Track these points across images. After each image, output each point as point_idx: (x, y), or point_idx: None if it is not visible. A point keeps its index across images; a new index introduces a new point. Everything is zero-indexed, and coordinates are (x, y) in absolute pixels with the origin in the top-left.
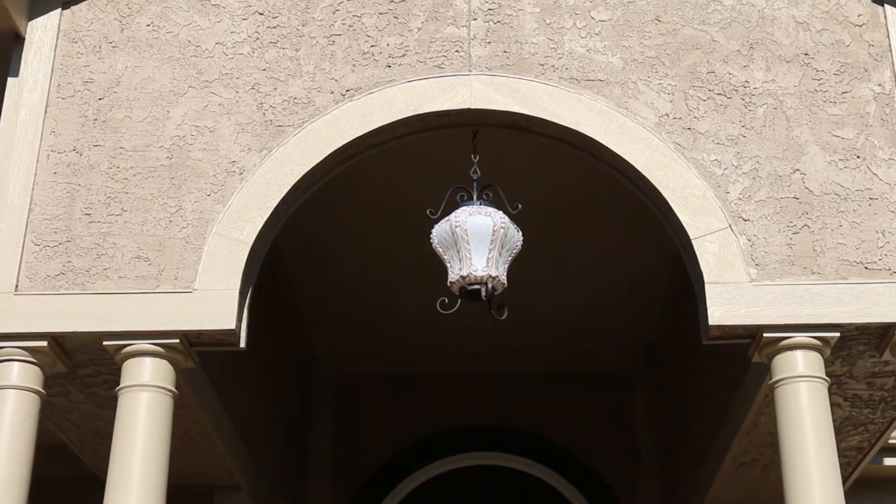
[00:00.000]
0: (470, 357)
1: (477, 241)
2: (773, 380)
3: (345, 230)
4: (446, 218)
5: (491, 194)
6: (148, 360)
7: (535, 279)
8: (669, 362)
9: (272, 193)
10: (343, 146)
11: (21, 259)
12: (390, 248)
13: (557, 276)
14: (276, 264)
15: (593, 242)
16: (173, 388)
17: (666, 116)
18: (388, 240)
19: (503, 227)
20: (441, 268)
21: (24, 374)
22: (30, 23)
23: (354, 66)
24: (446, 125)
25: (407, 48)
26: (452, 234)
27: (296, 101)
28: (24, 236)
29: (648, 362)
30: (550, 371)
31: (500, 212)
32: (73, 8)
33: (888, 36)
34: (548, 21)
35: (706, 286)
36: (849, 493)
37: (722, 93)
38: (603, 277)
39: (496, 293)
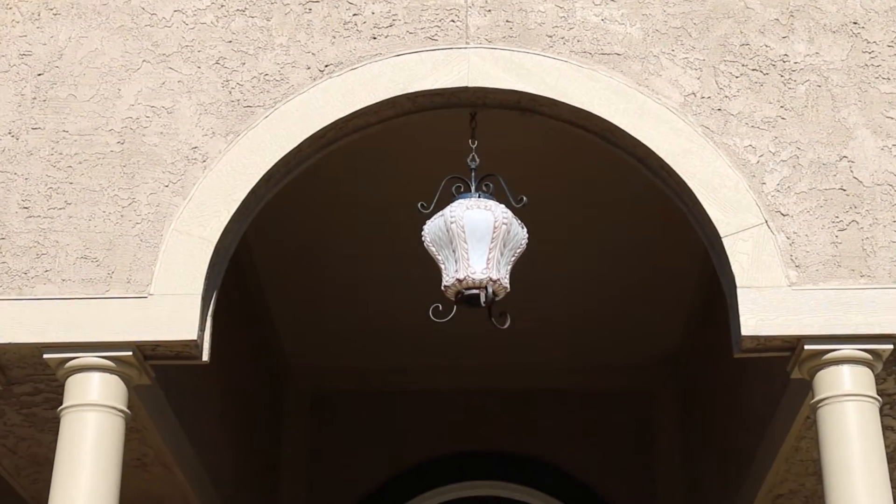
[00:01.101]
0: (467, 373)
1: (475, 239)
2: (816, 399)
3: (324, 227)
4: (440, 212)
5: (491, 185)
6: (96, 376)
7: (541, 283)
8: (695, 379)
9: (240, 184)
10: (321, 130)
11: None
12: (376, 247)
13: (567, 280)
14: (244, 266)
15: (608, 241)
16: (125, 408)
17: (692, 95)
18: (374, 238)
19: (505, 223)
20: (434, 270)
21: None
22: None
23: (334, 37)
24: (440, 106)
25: (395, 17)
26: (447, 230)
27: (267, 77)
28: None
29: (671, 379)
30: (559, 389)
31: (502, 205)
32: None
33: None
34: None
35: (738, 291)
36: None
37: (757, 68)
38: (619, 281)
39: (497, 299)
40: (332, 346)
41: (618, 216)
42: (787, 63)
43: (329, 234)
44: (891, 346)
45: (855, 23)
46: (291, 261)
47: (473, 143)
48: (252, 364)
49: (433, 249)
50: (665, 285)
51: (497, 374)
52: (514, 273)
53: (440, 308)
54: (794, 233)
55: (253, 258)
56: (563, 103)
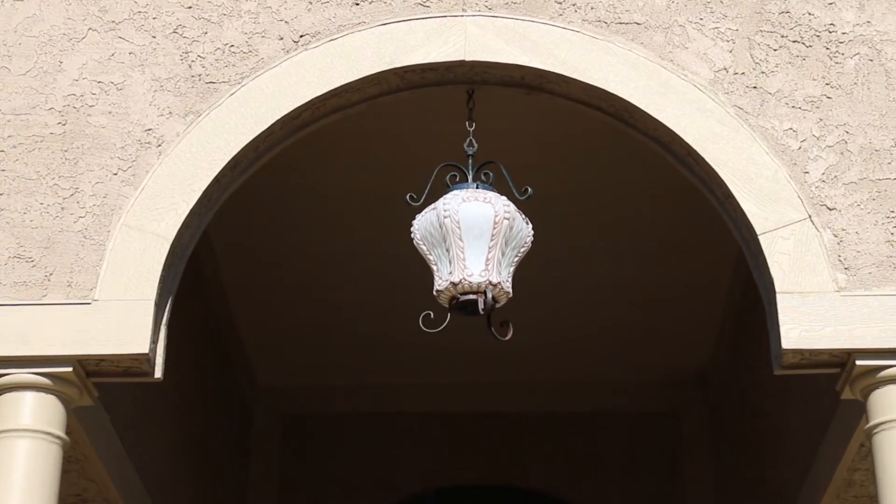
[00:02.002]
0: (463, 392)
1: (473, 237)
2: (871, 424)
3: (298, 224)
4: (432, 206)
5: (491, 174)
6: (28, 396)
7: (548, 289)
8: (728, 400)
9: (200, 172)
10: (295, 110)
11: None
12: (358, 247)
13: (579, 287)
14: (205, 268)
15: (626, 241)
16: (63, 434)
17: (724, 71)
18: (356, 237)
19: (507, 218)
20: (426, 272)
21: None
22: None
23: (311, 3)
24: (433, 83)
25: None
26: (440, 226)
27: (233, 49)
28: None
29: (700, 399)
30: (571, 412)
31: (504, 197)
32: None
33: None
34: None
35: (778, 298)
36: None
37: (799, 39)
38: (641, 288)
39: (498, 305)
40: (307, 363)
41: (637, 212)
42: (833, 34)
43: (304, 233)
44: None
45: None
46: (260, 263)
47: (471, 126)
48: (214, 383)
49: (424, 248)
50: (693, 292)
51: (498, 394)
52: (518, 276)
53: (432, 316)
54: (843, 230)
55: (215, 259)
56: (575, 80)
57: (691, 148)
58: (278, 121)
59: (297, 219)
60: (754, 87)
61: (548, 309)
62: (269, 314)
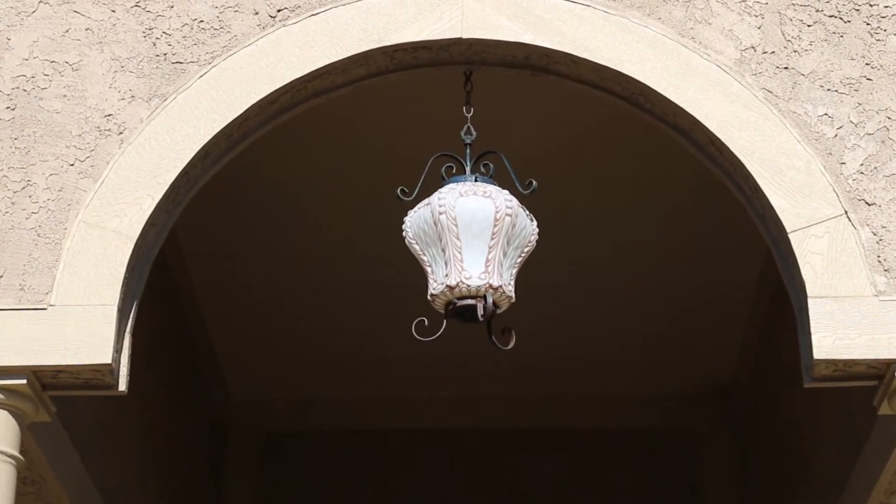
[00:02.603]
0: (459, 407)
1: (471, 235)
2: None
3: (276, 221)
4: (426, 201)
5: (492, 166)
6: None
7: (556, 293)
8: (753, 416)
9: (167, 163)
10: (273, 94)
11: None
12: (344, 247)
13: (589, 291)
14: (173, 270)
15: (643, 241)
16: (16, 453)
17: (752, 50)
18: (341, 235)
19: (509, 214)
20: (419, 275)
21: None
22: None
23: None
24: (426, 63)
25: None
26: (435, 224)
27: (202, 25)
28: None
29: (722, 416)
30: (582, 428)
31: (506, 191)
32: None
33: None
34: None
35: (810, 302)
36: None
37: (836, 14)
38: (657, 292)
39: (499, 311)
40: (287, 376)
41: (653, 209)
42: (874, 7)
43: (283, 231)
44: None
45: None
46: (233, 265)
47: (469, 112)
48: (184, 397)
49: (417, 248)
50: (716, 298)
51: (499, 408)
52: (521, 279)
53: (426, 324)
54: (883, 227)
55: (184, 261)
56: (585, 60)
57: (714, 136)
58: (254, 106)
59: (274, 216)
60: (785, 68)
61: (554, 316)
62: (244, 321)
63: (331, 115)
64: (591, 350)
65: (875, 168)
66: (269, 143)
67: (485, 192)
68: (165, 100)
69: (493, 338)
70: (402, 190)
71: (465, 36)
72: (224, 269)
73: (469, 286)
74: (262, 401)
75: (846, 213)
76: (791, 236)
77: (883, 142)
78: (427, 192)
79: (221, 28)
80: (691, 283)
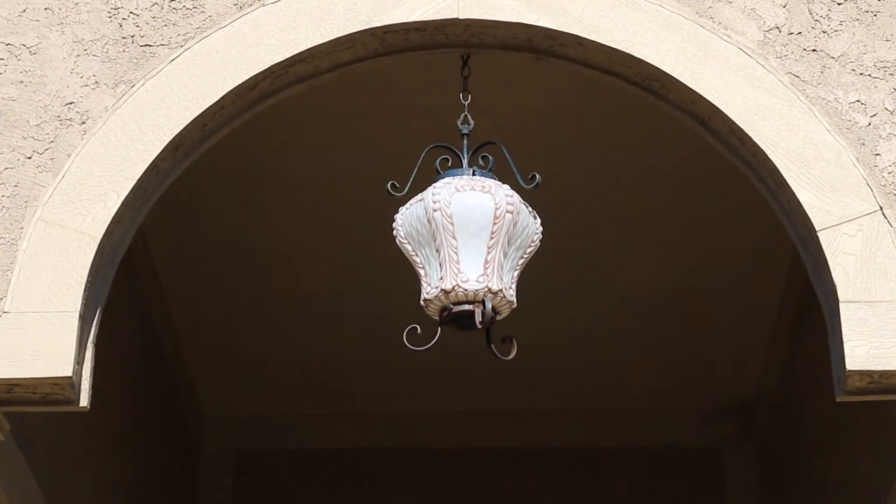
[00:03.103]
0: (454, 424)
1: (468, 234)
2: None
3: (255, 217)
4: (419, 196)
5: (491, 158)
6: None
7: (563, 298)
8: (779, 434)
9: (135, 156)
10: (251, 80)
11: None
12: (325, 247)
13: (600, 296)
14: (141, 274)
15: (657, 241)
16: None
17: (776, 31)
18: (325, 235)
19: (511, 212)
20: (411, 278)
21: None
22: None
23: None
24: (419, 46)
25: None
26: (429, 221)
27: (173, 5)
28: None
29: (747, 433)
30: (592, 446)
31: (507, 186)
32: None
33: None
34: None
35: (841, 308)
36: None
37: None
38: (674, 298)
39: (500, 318)
40: (265, 389)
41: (668, 205)
42: None
43: (261, 230)
44: None
45: None
46: (207, 267)
47: (466, 99)
48: (153, 413)
49: (409, 248)
50: (738, 303)
51: (499, 425)
52: (523, 283)
53: (419, 331)
54: None
55: (153, 263)
56: (593, 42)
57: (736, 125)
58: (230, 92)
59: (252, 213)
60: (813, 51)
61: (559, 323)
62: (217, 330)
63: (315, 104)
64: (600, 361)
65: None
66: (247, 133)
67: (483, 187)
68: (133, 86)
69: (493, 347)
70: (392, 184)
71: (461, 16)
72: (196, 273)
73: (466, 290)
74: (237, 416)
75: (881, 209)
76: (820, 235)
77: None
78: (420, 186)
79: (194, 8)
80: (711, 288)
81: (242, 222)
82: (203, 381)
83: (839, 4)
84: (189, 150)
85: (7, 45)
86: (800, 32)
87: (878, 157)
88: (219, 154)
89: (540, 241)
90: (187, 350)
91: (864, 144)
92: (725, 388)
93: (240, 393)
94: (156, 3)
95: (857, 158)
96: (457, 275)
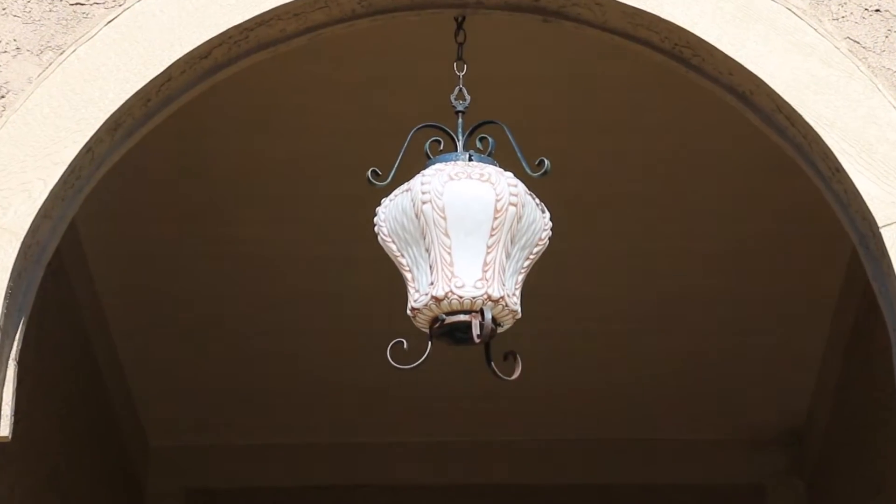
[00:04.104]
0: (445, 456)
1: (464, 231)
2: None
3: (208, 211)
4: (405, 186)
5: (492, 140)
6: None
7: (577, 306)
8: (833, 466)
9: (65, 137)
10: (204, 46)
11: None
12: (292, 249)
13: (621, 302)
14: (73, 277)
15: (687, 240)
16: None
17: None
18: (290, 233)
19: (514, 204)
20: (397, 282)
21: None
22: None
23: None
24: (405, 7)
25: None
26: (417, 216)
27: None
28: None
29: (795, 466)
30: (615, 483)
31: (509, 174)
32: None
33: None
34: None
35: None
36: None
37: None
38: (709, 307)
39: (501, 330)
40: (219, 418)
41: (700, 196)
42: None
43: (216, 227)
44: None
45: None
46: (152, 271)
47: (461, 70)
48: (89, 444)
49: (393, 248)
50: (784, 315)
51: (499, 458)
52: (529, 288)
53: (405, 346)
54: None
55: (87, 265)
56: (613, 1)
57: (783, 100)
58: (179, 61)
59: (206, 206)
60: (877, 10)
61: (573, 337)
62: (164, 346)
63: (280, 75)
64: (621, 382)
65: None
66: (200, 110)
67: (482, 175)
68: (62, 53)
69: (493, 365)
70: (373, 171)
71: None
72: (139, 277)
73: (461, 297)
74: (187, 448)
75: None
76: (883, 232)
77: None
78: (407, 174)
79: None
80: (752, 297)
81: (195, 217)
82: (148, 407)
83: None
84: (130, 130)
85: None
86: None
87: None
88: (165, 135)
89: (549, 238)
90: (129, 370)
91: None
92: (769, 415)
93: (190, 421)
94: None
95: None
96: (450, 279)
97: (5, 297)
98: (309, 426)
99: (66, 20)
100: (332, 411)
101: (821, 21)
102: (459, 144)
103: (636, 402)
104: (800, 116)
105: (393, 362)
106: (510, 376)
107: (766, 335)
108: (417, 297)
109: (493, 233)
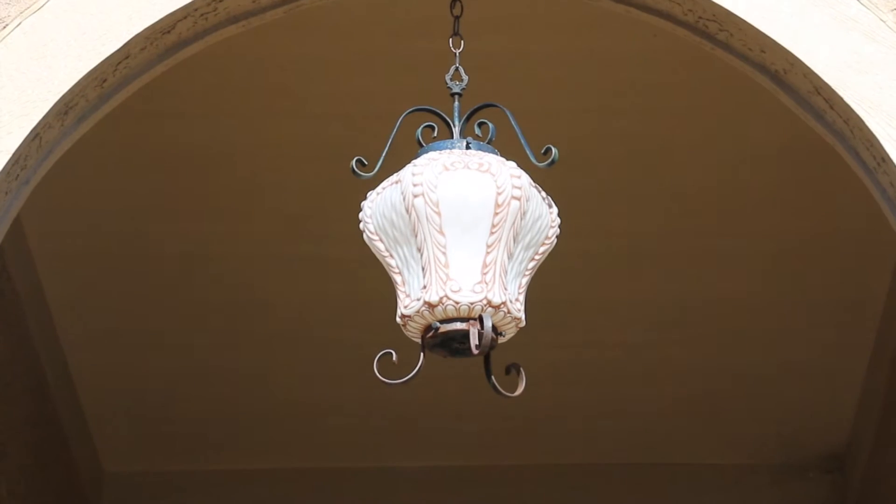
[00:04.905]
0: (444, 483)
1: (461, 228)
2: None
3: (168, 205)
4: (394, 177)
5: (492, 126)
6: None
7: (589, 314)
8: (879, 495)
9: (9, 121)
10: (167, 19)
11: None
12: (267, 246)
13: (640, 309)
14: (17, 280)
15: (714, 241)
16: None
17: None
18: (260, 232)
19: (518, 197)
20: (385, 287)
21: None
22: None
23: None
24: None
25: None
26: (408, 211)
27: None
28: None
29: (837, 493)
30: None
31: (512, 163)
32: None
33: None
34: None
35: None
36: None
37: None
38: (735, 311)
39: (503, 340)
40: (178, 437)
41: (730, 189)
42: None
43: (179, 226)
44: None
45: None
46: (106, 272)
47: (458, 47)
48: (36, 466)
49: (381, 247)
50: (826, 325)
51: (506, 484)
52: (535, 293)
53: (394, 359)
54: None
55: (33, 266)
56: None
57: (821, 81)
58: (139, 36)
59: (166, 200)
60: None
61: (587, 349)
62: (119, 359)
63: (251, 53)
64: (641, 399)
65: None
66: (162, 92)
67: (481, 165)
68: (5, 27)
69: (494, 380)
70: (358, 161)
71: None
72: (94, 281)
73: (458, 303)
74: (144, 473)
75: None
76: None
77: None
78: (396, 164)
79: None
80: (787, 303)
81: (156, 212)
82: (102, 428)
83: None
84: (83, 114)
85: None
86: None
87: None
88: (124, 120)
89: (557, 236)
90: (81, 386)
91: None
92: (806, 437)
93: (148, 444)
94: None
95: None
96: (445, 282)
97: None
98: (281, 450)
99: None
100: (307, 434)
101: None
102: (456, 130)
103: (656, 422)
104: (840, 99)
105: (381, 377)
106: (513, 393)
107: (803, 346)
108: (408, 302)
109: (494, 230)
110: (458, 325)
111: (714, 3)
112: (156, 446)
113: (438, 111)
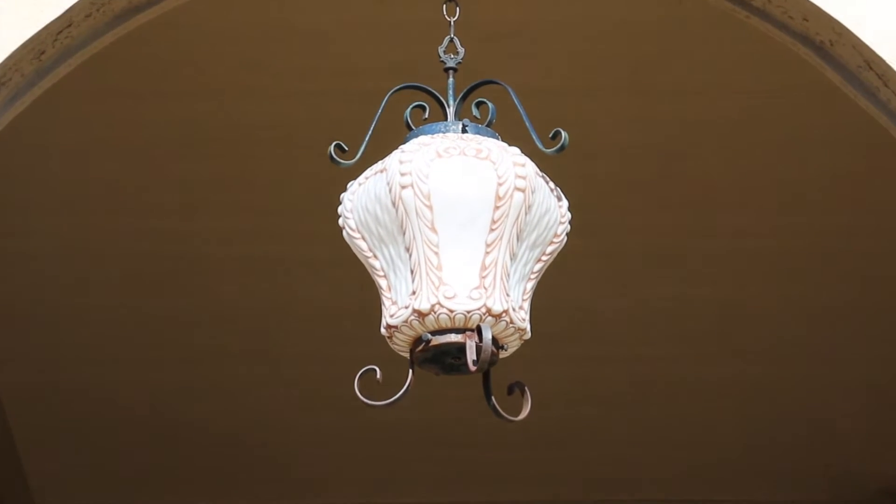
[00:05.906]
0: None
1: (456, 224)
2: None
3: (115, 202)
4: (379, 165)
5: (492, 106)
6: None
7: (603, 324)
8: None
9: None
10: None
11: None
12: (236, 246)
13: (657, 318)
14: None
15: (751, 241)
16: None
17: None
18: (234, 226)
19: (521, 188)
20: (369, 292)
21: None
22: None
23: None
24: None
25: None
26: (394, 204)
27: None
28: None
29: None
30: None
31: (515, 149)
32: None
33: None
34: None
35: None
36: None
37: None
38: (776, 323)
39: (505, 355)
40: (126, 474)
41: (768, 180)
42: None
43: (127, 217)
44: None
45: None
46: (45, 280)
47: (453, 16)
48: None
49: (363, 246)
50: (871, 336)
51: None
52: (541, 299)
53: (378, 377)
54: None
55: None
56: None
57: (872, 53)
58: (83, 2)
59: (116, 190)
60: None
61: (605, 366)
62: (56, 382)
63: (217, 21)
64: (667, 425)
65: None
66: (110, 66)
67: (479, 151)
68: None
69: (495, 401)
70: (337, 146)
71: None
72: (27, 285)
73: (452, 312)
74: None
75: None
76: None
77: None
78: (381, 150)
79: None
80: (830, 312)
81: (101, 204)
82: (35, 460)
83: None
84: (17, 92)
85: None
86: None
87: None
88: (65, 98)
89: (567, 234)
90: (12, 414)
91: None
92: (855, 470)
93: (88, 479)
94: None
95: None
96: (438, 288)
97: None
98: (237, 490)
99: None
100: (267, 469)
101: None
102: (450, 111)
103: (685, 453)
104: (895, 74)
105: (362, 397)
106: (517, 416)
107: (856, 364)
108: (395, 310)
109: (494, 227)
110: (453, 338)
111: None
112: (92, 482)
113: (430, 89)
